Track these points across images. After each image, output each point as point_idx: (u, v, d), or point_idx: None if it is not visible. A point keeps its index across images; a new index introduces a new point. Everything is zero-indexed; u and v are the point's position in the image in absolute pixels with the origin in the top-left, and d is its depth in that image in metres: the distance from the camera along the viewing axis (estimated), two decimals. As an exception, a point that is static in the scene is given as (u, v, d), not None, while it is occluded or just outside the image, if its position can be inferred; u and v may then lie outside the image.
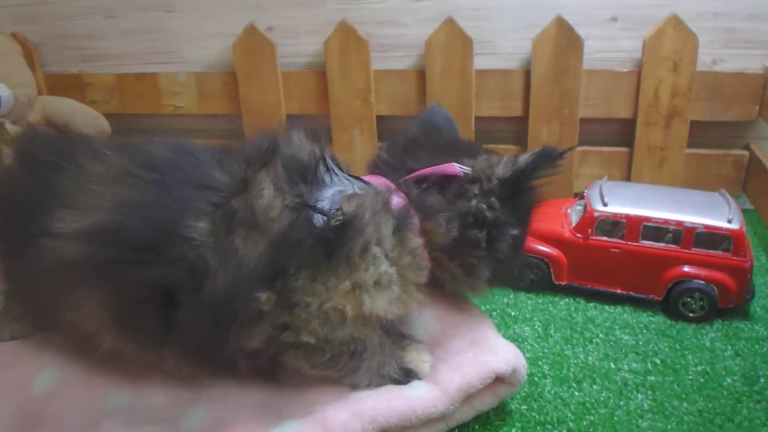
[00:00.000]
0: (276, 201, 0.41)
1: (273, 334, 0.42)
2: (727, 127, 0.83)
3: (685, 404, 0.48)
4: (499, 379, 0.45)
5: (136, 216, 0.41)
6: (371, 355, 0.45)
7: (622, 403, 0.48)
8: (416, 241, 0.45)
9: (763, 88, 0.77)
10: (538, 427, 0.46)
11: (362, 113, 0.88)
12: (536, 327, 0.59)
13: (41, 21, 0.95)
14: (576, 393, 0.49)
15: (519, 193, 0.47)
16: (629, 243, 0.61)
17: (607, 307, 0.62)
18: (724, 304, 0.59)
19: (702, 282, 0.59)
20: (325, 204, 0.43)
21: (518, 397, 0.49)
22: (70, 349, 0.50)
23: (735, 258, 0.58)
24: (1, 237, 0.49)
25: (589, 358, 0.54)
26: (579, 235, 0.63)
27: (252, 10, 0.88)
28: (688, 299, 0.59)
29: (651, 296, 0.61)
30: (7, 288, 0.52)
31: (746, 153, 0.82)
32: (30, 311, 0.51)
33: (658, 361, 0.53)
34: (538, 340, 0.57)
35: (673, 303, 0.60)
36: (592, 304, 0.63)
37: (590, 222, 0.62)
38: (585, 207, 0.64)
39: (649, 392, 0.49)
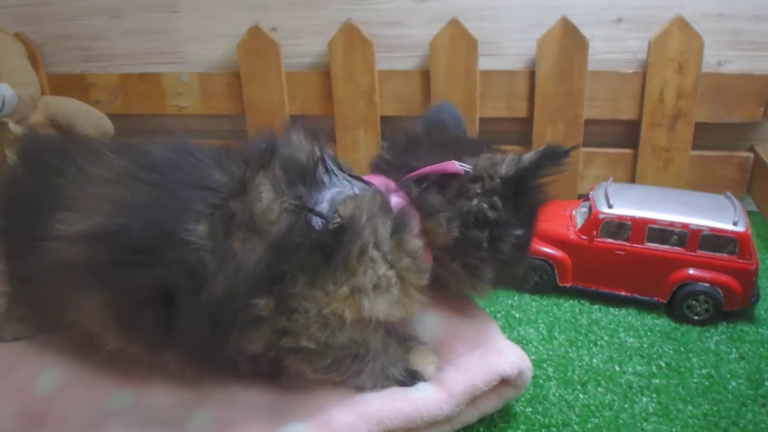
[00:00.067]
0: (274, 204, 0.41)
1: (273, 339, 0.42)
2: (732, 129, 0.83)
3: (690, 407, 0.48)
4: (504, 382, 0.44)
5: (136, 218, 0.41)
6: (374, 357, 0.45)
7: (626, 405, 0.48)
8: (416, 243, 0.44)
9: (768, 90, 0.77)
10: (543, 430, 0.46)
11: (366, 114, 0.88)
12: (541, 329, 0.59)
13: (44, 21, 0.95)
14: (581, 395, 0.49)
15: (523, 193, 0.46)
16: (634, 245, 0.61)
17: (611, 309, 0.62)
18: (729, 307, 0.59)
19: (707, 285, 0.59)
20: (323, 206, 0.42)
21: (523, 399, 0.49)
22: (73, 350, 0.50)
23: (740, 261, 0.58)
24: (4, 239, 0.50)
25: (594, 360, 0.54)
26: (584, 237, 0.63)
27: (256, 11, 0.88)
28: (693, 302, 0.59)
29: (656, 299, 0.61)
30: (10, 289, 0.52)
31: (751, 155, 0.82)
32: (33, 312, 0.51)
33: (662, 364, 0.53)
34: (543, 342, 0.57)
35: (678, 306, 0.60)
36: (596, 306, 0.63)
37: (595, 224, 0.62)
38: (590, 209, 0.64)
39: (654, 395, 0.49)
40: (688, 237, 0.59)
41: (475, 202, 0.45)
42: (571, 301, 0.64)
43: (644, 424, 0.46)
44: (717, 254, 0.59)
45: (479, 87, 0.83)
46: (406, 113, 0.87)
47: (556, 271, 0.64)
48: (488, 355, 0.46)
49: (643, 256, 0.60)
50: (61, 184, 0.44)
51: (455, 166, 0.45)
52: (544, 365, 0.53)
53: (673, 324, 0.60)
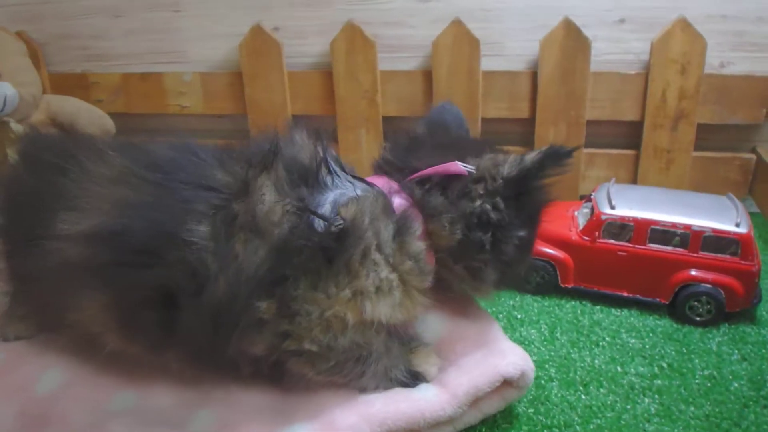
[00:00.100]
0: (277, 206, 0.41)
1: (275, 342, 0.42)
2: (734, 130, 0.83)
3: (692, 408, 0.48)
4: (506, 383, 0.44)
5: (138, 218, 0.41)
6: (377, 359, 0.44)
7: (628, 406, 0.48)
8: (418, 245, 0.44)
9: (771, 91, 0.77)
10: (545, 431, 0.46)
11: (368, 114, 0.88)
12: (543, 330, 0.59)
13: (46, 20, 0.96)
14: (583, 396, 0.49)
15: (525, 193, 0.46)
16: (636, 246, 0.61)
17: (613, 310, 0.62)
18: (731, 308, 0.59)
19: (709, 286, 0.59)
20: (326, 208, 0.42)
21: (525, 400, 0.49)
22: (75, 349, 0.50)
23: (743, 262, 0.58)
24: (7, 238, 0.50)
25: (596, 361, 0.54)
26: (586, 238, 0.63)
27: (258, 11, 0.88)
28: (695, 303, 0.59)
29: (658, 300, 0.61)
30: (12, 289, 0.52)
31: (753, 156, 0.82)
32: (35, 312, 0.51)
33: (664, 365, 0.53)
34: (545, 343, 0.57)
35: (680, 307, 0.60)
36: (598, 307, 0.63)
37: (597, 225, 0.62)
38: (592, 210, 0.64)
39: (656, 396, 0.49)
40: (690, 238, 0.59)
41: (477, 203, 0.45)
42: (573, 302, 0.64)
43: (646, 425, 0.46)
44: (719, 255, 0.59)
45: (481, 87, 0.83)
46: (408, 113, 0.87)
47: (558, 272, 0.64)
48: (491, 356, 0.46)
49: (645, 257, 0.60)
50: (64, 184, 0.44)
51: (458, 166, 0.45)
52: (546, 366, 0.53)
53: (675, 325, 0.60)
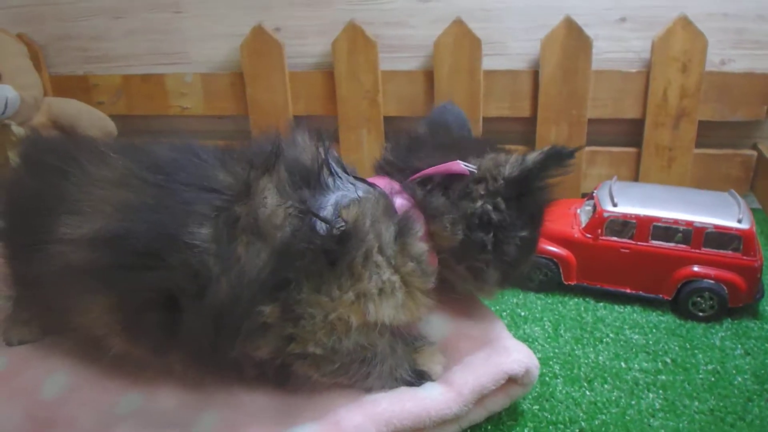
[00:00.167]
0: (279, 209, 0.41)
1: (279, 346, 0.42)
2: (736, 127, 0.83)
3: (697, 403, 0.48)
4: (511, 380, 0.45)
5: (140, 221, 0.41)
6: (382, 360, 0.44)
7: (633, 402, 0.48)
8: (420, 247, 0.44)
9: (771, 88, 0.78)
10: (551, 427, 0.46)
11: (370, 114, 0.88)
12: (546, 327, 0.59)
13: (47, 22, 0.95)
14: (587, 393, 0.50)
15: (527, 194, 0.46)
16: (639, 243, 0.61)
17: (616, 306, 0.63)
18: (734, 304, 0.59)
19: (712, 281, 0.59)
20: (328, 210, 0.42)
21: (530, 397, 0.49)
22: (79, 353, 0.50)
23: (745, 258, 0.59)
24: (9, 242, 0.50)
25: (600, 357, 0.54)
26: (588, 236, 0.63)
27: (259, 11, 0.88)
28: (698, 299, 0.59)
29: (661, 296, 0.62)
30: (15, 293, 0.52)
31: (754, 153, 0.82)
32: (38, 316, 0.51)
33: (668, 361, 0.54)
34: (549, 340, 0.57)
35: (683, 302, 0.60)
36: (601, 304, 0.63)
37: (600, 222, 0.62)
38: (594, 207, 0.64)
39: (660, 391, 0.50)
40: (692, 234, 0.59)
41: (479, 203, 0.45)
42: (576, 299, 0.64)
43: (651, 421, 0.46)
44: (722, 251, 0.59)
45: (483, 87, 0.83)
46: (410, 113, 0.87)
47: (561, 270, 0.64)
48: (495, 354, 0.46)
49: (647, 253, 0.61)
50: (66, 187, 0.44)
51: (460, 166, 0.45)
52: (551, 363, 0.53)
53: (678, 321, 0.60)
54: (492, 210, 0.45)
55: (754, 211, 0.65)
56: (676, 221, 0.60)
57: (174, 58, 0.95)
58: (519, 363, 0.44)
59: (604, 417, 0.47)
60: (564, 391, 0.50)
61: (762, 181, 0.81)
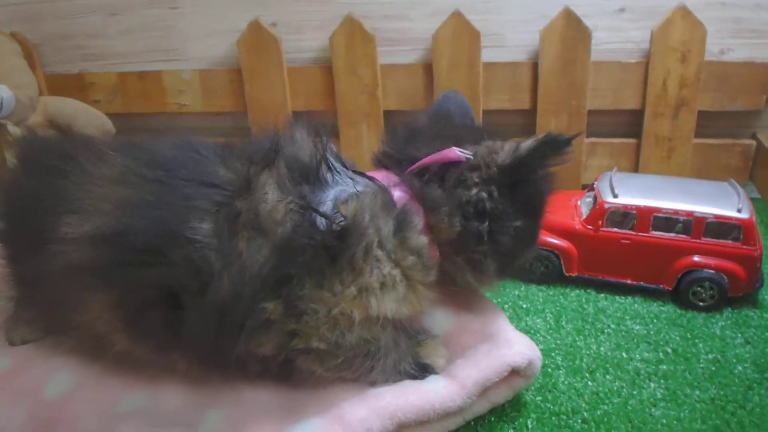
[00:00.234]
0: (280, 205, 0.41)
1: (283, 341, 0.42)
2: (735, 117, 0.83)
3: (698, 392, 0.49)
4: (514, 372, 0.45)
5: (140, 217, 0.41)
6: (385, 354, 0.45)
7: (635, 392, 0.49)
8: (419, 240, 0.44)
9: (770, 77, 0.78)
10: (553, 418, 0.46)
11: (369, 108, 0.88)
12: (548, 319, 0.60)
13: (41, 20, 0.95)
14: (589, 383, 0.50)
15: (522, 183, 0.45)
16: (639, 234, 0.61)
17: (617, 297, 0.63)
18: (734, 293, 0.59)
19: (712, 271, 0.59)
20: (327, 205, 0.42)
21: (533, 388, 0.49)
22: (82, 352, 0.50)
23: (745, 247, 0.59)
24: (10, 243, 0.50)
25: (602, 348, 0.55)
26: (589, 227, 0.63)
27: (256, 6, 0.87)
28: (699, 288, 0.60)
29: (661, 286, 0.62)
30: (17, 293, 0.52)
31: (753, 142, 0.82)
32: (41, 315, 0.51)
33: (669, 350, 0.54)
34: (550, 331, 0.58)
35: (684, 292, 0.60)
36: (602, 295, 0.64)
37: (600, 213, 0.62)
38: (595, 198, 0.64)
39: (662, 381, 0.50)
40: (692, 225, 0.60)
41: (474, 191, 0.44)
42: (578, 291, 0.64)
43: (653, 410, 0.47)
44: (721, 241, 0.59)
45: (482, 79, 0.83)
46: (409, 107, 0.87)
47: (562, 261, 0.65)
48: (498, 346, 0.46)
49: (648, 244, 0.61)
50: (65, 186, 0.44)
51: (455, 152, 0.44)
52: (553, 354, 0.54)
53: (678, 311, 0.60)
54: (486, 198, 0.44)
55: (753, 200, 0.65)
56: (676, 212, 0.60)
57: (171, 54, 0.94)
58: (522, 355, 0.45)
59: (606, 407, 0.47)
60: (566, 382, 0.50)
61: (761, 171, 0.81)
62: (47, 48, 0.96)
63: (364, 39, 0.83)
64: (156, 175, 0.42)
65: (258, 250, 0.40)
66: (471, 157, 0.45)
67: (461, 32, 0.80)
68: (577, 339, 0.56)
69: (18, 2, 0.94)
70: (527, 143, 0.44)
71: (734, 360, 0.52)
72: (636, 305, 0.61)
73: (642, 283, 0.63)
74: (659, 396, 0.48)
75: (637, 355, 0.53)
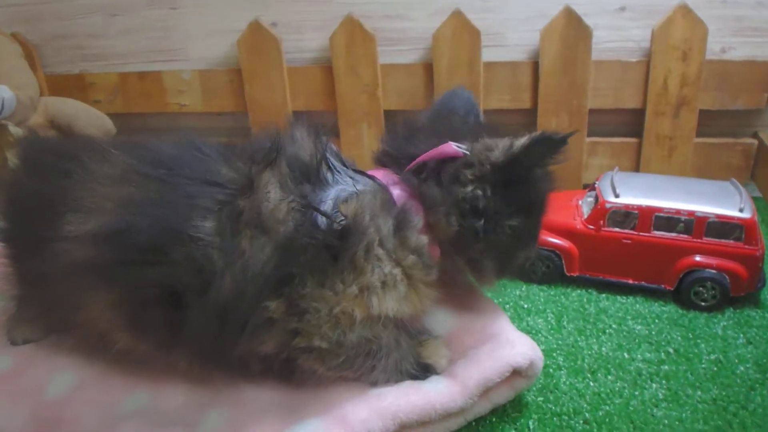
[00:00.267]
0: (282, 204, 0.41)
1: (284, 340, 0.42)
2: (736, 116, 0.83)
3: (699, 392, 0.48)
4: (515, 372, 0.45)
5: (143, 216, 0.41)
6: (387, 353, 0.45)
7: (636, 392, 0.49)
8: (420, 240, 0.44)
9: (772, 76, 0.78)
10: (555, 418, 0.46)
11: (370, 108, 0.87)
12: (549, 319, 0.60)
13: (41, 20, 0.95)
14: (591, 384, 0.50)
15: (517, 181, 0.44)
16: (641, 234, 0.61)
17: (619, 297, 0.63)
18: (736, 293, 0.59)
19: (714, 271, 0.59)
20: (328, 204, 0.42)
21: (534, 388, 0.49)
22: (84, 352, 0.50)
23: (746, 247, 0.59)
24: (13, 242, 0.50)
25: (603, 348, 0.55)
26: (591, 227, 0.63)
27: (256, 6, 0.87)
28: (700, 288, 0.60)
29: (663, 286, 0.62)
30: (19, 292, 0.52)
31: (755, 141, 0.82)
32: (44, 314, 0.51)
33: (671, 351, 0.54)
34: (552, 331, 0.58)
35: (685, 292, 0.60)
36: (604, 295, 0.63)
37: (602, 213, 0.62)
38: (596, 198, 0.64)
39: (663, 381, 0.50)
40: (694, 224, 0.59)
41: (469, 188, 0.44)
42: (579, 291, 0.64)
43: (654, 410, 0.47)
44: (723, 241, 0.59)
45: (483, 79, 0.83)
46: (410, 107, 0.87)
47: (563, 261, 0.65)
48: (499, 347, 0.46)
49: (649, 244, 0.61)
50: (68, 185, 0.44)
51: (452, 147, 0.44)
52: (554, 354, 0.54)
53: (680, 311, 0.60)
54: (481, 196, 0.44)
55: (754, 199, 0.65)
56: (678, 211, 0.60)
57: (171, 55, 0.94)
58: (523, 355, 0.45)
59: (607, 407, 0.47)
60: (568, 383, 0.50)
61: (762, 170, 0.81)
62: (48, 48, 0.96)
63: (365, 39, 0.83)
64: (159, 174, 0.42)
65: (261, 249, 0.40)
66: (468, 152, 0.44)
67: (461, 32, 0.80)
68: (578, 339, 0.56)
69: (18, 3, 0.94)
70: (521, 141, 0.43)
71: (736, 360, 0.52)
72: (637, 305, 0.61)
73: (643, 283, 0.63)
74: (661, 396, 0.48)
75: (639, 356, 0.53)
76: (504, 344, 0.46)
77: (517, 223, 0.45)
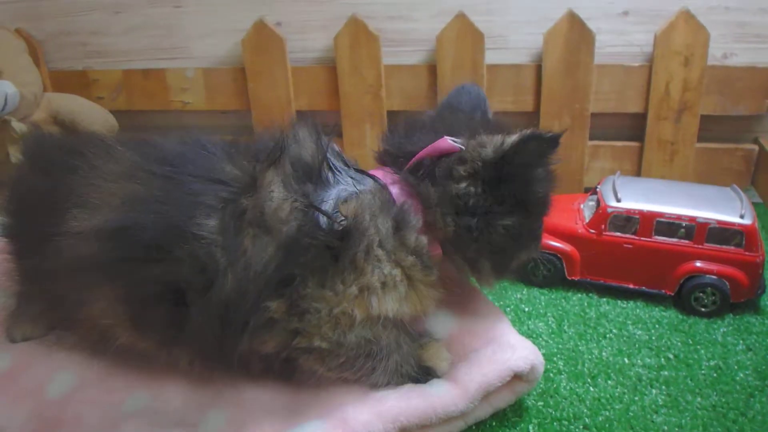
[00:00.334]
0: (285, 203, 0.41)
1: (285, 340, 0.42)
2: (737, 122, 0.83)
3: (699, 399, 0.49)
4: (516, 377, 0.45)
5: (147, 213, 0.41)
6: (387, 355, 0.45)
7: (636, 398, 0.49)
8: (419, 240, 0.44)
9: (774, 82, 0.78)
10: (555, 423, 0.46)
11: (373, 108, 0.87)
12: (550, 323, 0.60)
13: (46, 16, 0.94)
14: (591, 389, 0.50)
15: (508, 179, 0.43)
16: (642, 238, 0.61)
17: (619, 302, 0.63)
18: (736, 299, 0.59)
19: (714, 277, 0.59)
20: (329, 204, 0.42)
21: (534, 393, 0.49)
22: (85, 350, 0.50)
23: (747, 253, 0.59)
24: (16, 238, 0.50)
25: (603, 353, 0.55)
26: (592, 231, 0.63)
27: (261, 5, 0.87)
28: (701, 294, 0.60)
29: (663, 291, 0.62)
30: (22, 289, 0.52)
31: (756, 147, 0.82)
32: (47, 310, 0.51)
33: (671, 356, 0.54)
34: (552, 336, 0.58)
35: (686, 298, 0.60)
36: (604, 299, 0.64)
37: (603, 218, 0.62)
38: (598, 203, 0.64)
39: (663, 387, 0.50)
40: (695, 230, 0.60)
41: (462, 185, 0.43)
42: (580, 295, 0.64)
43: (654, 416, 0.47)
44: (724, 247, 0.59)
45: (486, 81, 0.83)
46: (413, 108, 0.87)
47: (564, 265, 0.65)
48: (501, 350, 0.46)
49: (650, 249, 0.61)
50: (73, 181, 0.44)
51: (447, 142, 0.44)
52: (555, 359, 0.54)
53: (680, 316, 0.60)
54: (473, 193, 0.43)
55: (754, 205, 0.65)
56: (679, 217, 0.60)
57: (175, 53, 0.94)
58: (524, 360, 0.45)
59: (607, 413, 0.47)
60: (568, 387, 0.50)
61: (763, 176, 0.81)
62: (52, 44, 0.96)
63: (369, 39, 0.83)
64: (164, 171, 0.43)
65: (263, 248, 0.40)
66: (463, 147, 0.44)
67: (465, 34, 0.80)
68: (579, 344, 0.56)
69: (23, -1, 0.94)
70: (512, 138, 0.42)
71: (736, 367, 0.52)
72: (638, 310, 0.62)
73: (644, 287, 0.63)
74: (661, 402, 0.48)
75: (639, 361, 0.53)
76: (505, 348, 0.47)
77: (512, 222, 0.45)
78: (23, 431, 0.44)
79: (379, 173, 0.47)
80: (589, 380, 0.51)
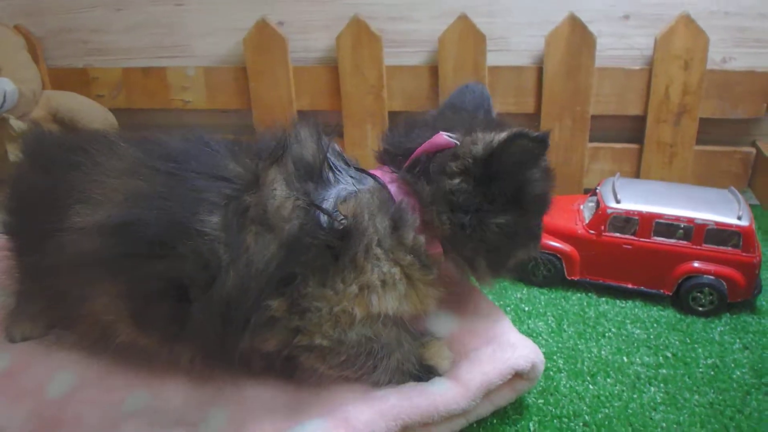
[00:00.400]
0: (287, 202, 0.41)
1: (286, 338, 0.43)
2: (736, 125, 0.84)
3: (697, 396, 0.49)
4: (517, 375, 0.45)
5: (150, 209, 0.41)
6: (388, 353, 0.45)
7: (635, 396, 0.49)
8: (417, 239, 0.44)
9: (771, 86, 0.79)
10: (555, 421, 0.47)
11: (374, 109, 0.88)
12: (550, 322, 0.60)
13: (45, 13, 0.94)
14: (591, 387, 0.51)
15: (498, 177, 0.43)
16: (641, 239, 0.62)
17: (618, 301, 0.64)
18: (733, 299, 0.60)
19: (712, 277, 0.60)
20: (329, 203, 0.43)
21: (535, 391, 0.50)
22: (85, 350, 0.50)
23: (744, 254, 0.60)
24: (19, 235, 0.50)
25: (602, 352, 0.55)
26: (592, 232, 0.64)
27: (263, 5, 0.87)
28: (698, 294, 0.61)
29: (662, 291, 0.63)
30: (22, 286, 0.52)
31: (753, 150, 0.83)
32: (48, 307, 0.51)
33: (669, 355, 0.55)
34: (552, 334, 0.58)
35: (684, 298, 0.61)
36: (603, 299, 0.64)
37: (603, 219, 0.63)
38: (598, 204, 0.65)
39: (662, 385, 0.51)
40: (693, 231, 0.60)
41: (456, 180, 0.43)
42: (579, 294, 0.65)
43: (653, 414, 0.48)
44: (721, 248, 0.60)
45: (487, 82, 0.83)
46: (415, 108, 0.87)
47: (564, 265, 0.65)
48: (501, 349, 0.47)
49: (649, 249, 0.62)
50: (76, 177, 0.44)
51: (443, 138, 0.44)
52: (554, 357, 0.54)
53: (678, 315, 0.61)
54: (465, 189, 0.43)
55: (752, 207, 0.66)
56: (677, 218, 0.61)
57: (176, 51, 0.94)
58: (525, 358, 0.45)
59: (607, 410, 0.48)
60: (568, 385, 0.51)
61: (760, 178, 0.82)
62: (51, 42, 0.95)
63: (371, 40, 0.84)
64: (167, 168, 0.43)
65: (266, 246, 0.40)
66: (458, 142, 0.44)
67: (467, 35, 0.81)
68: (578, 342, 0.57)
69: (22, -5, 0.93)
70: (500, 136, 0.42)
71: (733, 365, 0.53)
72: (636, 309, 0.62)
73: (643, 287, 0.63)
74: (659, 400, 0.49)
75: (638, 359, 0.54)
76: (506, 347, 0.47)
77: (506, 221, 0.44)
78: (23, 431, 0.44)
79: (378, 172, 0.47)
80: (588, 378, 0.52)
